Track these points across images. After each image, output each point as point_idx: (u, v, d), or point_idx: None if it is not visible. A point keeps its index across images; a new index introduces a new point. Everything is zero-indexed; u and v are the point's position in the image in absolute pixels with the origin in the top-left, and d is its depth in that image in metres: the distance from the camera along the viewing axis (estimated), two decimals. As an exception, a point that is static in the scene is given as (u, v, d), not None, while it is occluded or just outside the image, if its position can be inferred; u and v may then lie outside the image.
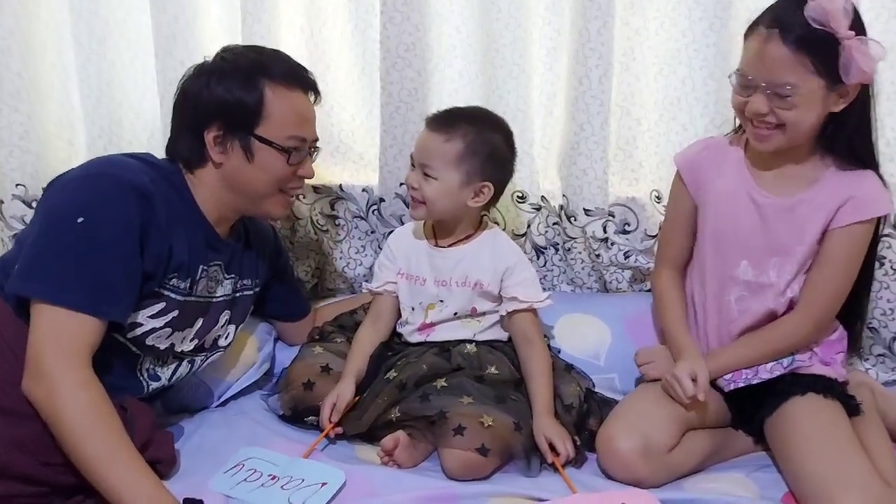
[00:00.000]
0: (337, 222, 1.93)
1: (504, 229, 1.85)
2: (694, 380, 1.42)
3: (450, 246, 1.59)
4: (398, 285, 1.61)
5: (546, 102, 1.82)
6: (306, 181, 1.50)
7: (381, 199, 1.87)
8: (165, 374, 1.43)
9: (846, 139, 1.41)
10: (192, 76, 1.41)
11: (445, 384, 1.46)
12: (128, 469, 1.17)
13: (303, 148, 1.43)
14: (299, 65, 1.46)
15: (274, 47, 1.76)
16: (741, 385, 1.47)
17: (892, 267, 1.72)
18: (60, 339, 1.20)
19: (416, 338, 1.60)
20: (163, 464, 1.31)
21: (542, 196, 1.86)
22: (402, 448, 1.40)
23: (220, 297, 1.48)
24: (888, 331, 1.77)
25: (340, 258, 1.95)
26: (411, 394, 1.47)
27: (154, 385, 1.41)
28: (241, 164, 1.38)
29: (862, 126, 1.41)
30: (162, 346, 1.38)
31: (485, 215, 1.64)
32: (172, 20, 1.79)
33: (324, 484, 1.30)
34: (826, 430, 1.37)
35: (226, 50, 1.43)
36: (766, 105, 1.35)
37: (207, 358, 1.51)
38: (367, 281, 1.97)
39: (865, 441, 1.38)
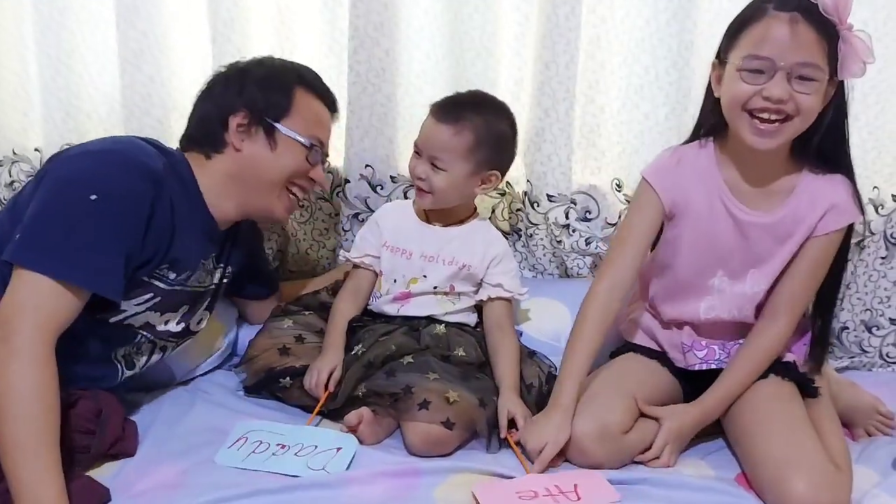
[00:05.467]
0: (300, 204, 1.91)
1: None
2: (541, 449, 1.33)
3: (442, 226, 1.62)
4: (381, 259, 1.62)
5: (513, 87, 1.82)
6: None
7: (346, 181, 1.85)
8: (140, 361, 1.42)
9: (818, 140, 1.37)
10: (226, 69, 1.49)
11: (412, 360, 1.47)
12: (39, 467, 1.12)
13: (319, 151, 1.49)
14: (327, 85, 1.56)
15: (242, 22, 1.76)
16: (713, 366, 1.49)
17: (842, 261, 1.77)
18: (39, 309, 1.17)
19: (389, 308, 1.60)
20: (125, 455, 1.32)
21: (507, 182, 1.87)
22: (365, 424, 1.39)
23: (209, 286, 1.50)
24: (837, 321, 1.81)
25: (304, 240, 1.94)
26: (378, 371, 1.47)
27: (128, 373, 1.41)
28: (261, 151, 1.42)
29: (833, 128, 1.38)
30: (137, 324, 1.37)
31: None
32: (135, -10, 1.76)
33: (339, 449, 1.31)
34: (779, 412, 1.39)
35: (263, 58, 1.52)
36: (787, 90, 1.27)
37: (179, 344, 1.50)
38: (329, 264, 1.97)
39: (818, 424, 1.40)
